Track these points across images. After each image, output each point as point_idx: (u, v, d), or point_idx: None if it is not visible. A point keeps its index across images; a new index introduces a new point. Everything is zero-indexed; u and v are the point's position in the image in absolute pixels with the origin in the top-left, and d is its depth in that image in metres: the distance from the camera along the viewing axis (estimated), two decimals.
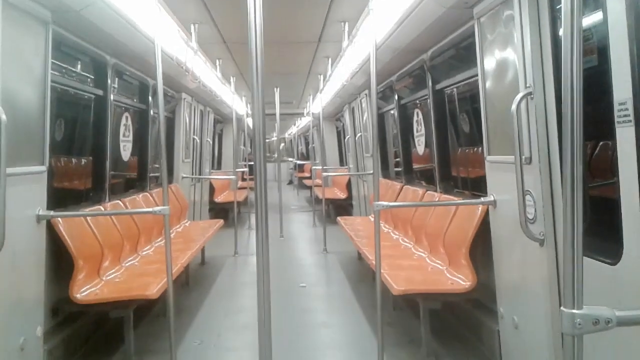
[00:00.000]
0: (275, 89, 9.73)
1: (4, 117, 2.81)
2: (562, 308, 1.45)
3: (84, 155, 5.34)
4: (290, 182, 23.16)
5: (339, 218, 8.03)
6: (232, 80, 9.10)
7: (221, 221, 8.07)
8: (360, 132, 9.50)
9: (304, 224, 11.47)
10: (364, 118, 9.05)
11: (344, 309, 5.39)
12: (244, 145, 18.36)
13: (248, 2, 2.25)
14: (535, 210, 3.08)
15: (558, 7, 2.92)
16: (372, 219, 4.19)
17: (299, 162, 22.45)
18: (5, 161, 2.84)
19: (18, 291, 3.25)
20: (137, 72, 6.07)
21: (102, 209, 5.01)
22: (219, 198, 11.68)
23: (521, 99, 3.01)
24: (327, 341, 4.64)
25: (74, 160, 5.26)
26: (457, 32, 4.37)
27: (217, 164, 13.92)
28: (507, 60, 3.33)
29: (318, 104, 9.92)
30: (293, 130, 25.65)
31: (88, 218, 4.49)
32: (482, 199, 3.86)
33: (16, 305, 3.22)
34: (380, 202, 3.69)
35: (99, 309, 4.07)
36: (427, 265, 4.84)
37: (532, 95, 3.02)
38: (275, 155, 15.12)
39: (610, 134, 2.38)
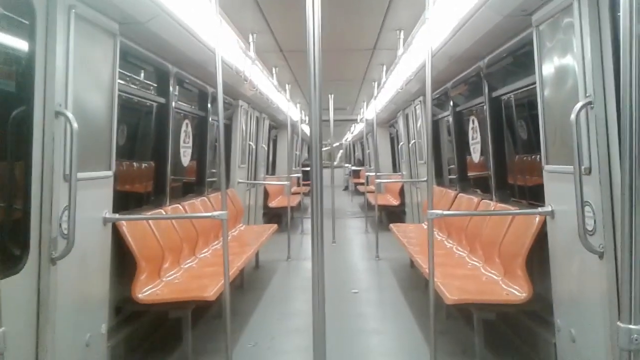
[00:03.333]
0: (329, 95, 9.81)
1: (75, 125, 2.99)
2: (618, 323, 1.44)
3: (146, 161, 5.55)
4: (346, 188, 23.19)
5: (391, 225, 8.00)
6: (287, 87, 9.24)
7: (275, 226, 8.20)
8: (414, 138, 9.45)
9: (356, 230, 11.48)
10: (418, 125, 9.00)
11: (396, 316, 5.38)
12: (298, 151, 18.53)
13: (307, 12, 2.32)
14: (595, 222, 3.01)
15: (619, 14, 2.85)
16: (425, 227, 4.18)
17: (354, 168, 22.43)
18: (77, 166, 3.02)
19: (86, 290, 3.44)
20: (197, 81, 6.28)
21: (163, 212, 5.19)
22: (273, 203, 11.84)
23: (581, 108, 2.95)
24: (380, 348, 4.65)
25: (136, 165, 5.48)
26: (514, 39, 4.31)
27: (271, 169, 14.11)
28: (567, 68, 3.27)
29: (372, 110, 9.93)
30: (348, 136, 25.68)
31: (150, 221, 4.67)
32: (540, 209, 3.79)
33: (84, 303, 3.40)
34: (434, 211, 3.67)
35: (159, 309, 4.23)
36: (482, 274, 4.78)
37: (592, 105, 2.95)
38: (334, 162, 15.18)
39: None
